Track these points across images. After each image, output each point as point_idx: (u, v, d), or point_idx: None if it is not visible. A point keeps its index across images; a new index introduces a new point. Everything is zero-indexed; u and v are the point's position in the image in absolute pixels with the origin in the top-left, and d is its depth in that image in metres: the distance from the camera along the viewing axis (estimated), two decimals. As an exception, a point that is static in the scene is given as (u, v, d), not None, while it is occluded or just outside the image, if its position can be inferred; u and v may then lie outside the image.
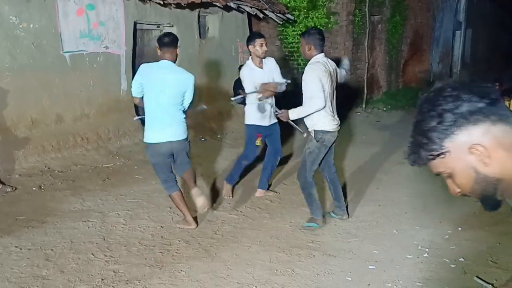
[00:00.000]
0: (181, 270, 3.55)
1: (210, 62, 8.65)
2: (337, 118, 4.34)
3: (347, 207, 4.69)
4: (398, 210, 4.86)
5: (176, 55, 4.10)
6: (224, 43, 9.09)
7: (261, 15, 9.34)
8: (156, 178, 5.26)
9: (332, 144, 4.36)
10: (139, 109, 4.41)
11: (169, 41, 4.07)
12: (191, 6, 7.84)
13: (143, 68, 4.08)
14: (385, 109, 11.50)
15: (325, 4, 10.27)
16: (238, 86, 9.16)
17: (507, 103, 10.22)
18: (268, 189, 5.33)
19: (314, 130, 4.22)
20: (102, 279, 3.39)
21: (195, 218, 4.40)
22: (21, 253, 3.74)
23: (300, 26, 10.39)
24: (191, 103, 4.21)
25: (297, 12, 10.37)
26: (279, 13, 9.64)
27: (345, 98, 10.79)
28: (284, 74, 5.20)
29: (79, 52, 6.42)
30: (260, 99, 4.72)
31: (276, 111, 4.58)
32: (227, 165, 6.46)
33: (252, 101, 4.87)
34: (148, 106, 4.05)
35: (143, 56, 7.69)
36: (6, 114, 5.67)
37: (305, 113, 4.15)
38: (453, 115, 0.99)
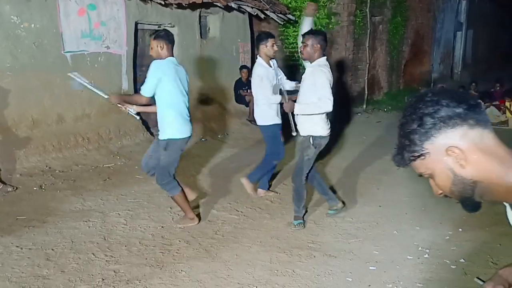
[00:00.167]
0: (181, 270, 3.55)
1: (211, 62, 8.66)
2: (329, 122, 4.36)
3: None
4: (399, 210, 4.86)
5: None
6: (225, 43, 9.10)
7: (262, 16, 9.34)
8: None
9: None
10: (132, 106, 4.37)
11: (173, 38, 4.19)
12: (192, 6, 7.85)
13: (163, 65, 4.05)
14: (385, 109, 11.50)
15: (326, 5, 10.27)
16: (238, 86, 9.22)
17: (508, 104, 10.24)
18: (268, 189, 5.33)
19: (312, 136, 4.22)
20: (103, 279, 3.39)
21: (197, 215, 4.46)
22: (22, 252, 3.75)
23: (301, 27, 10.37)
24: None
25: (298, 13, 10.35)
26: (280, 13, 9.64)
27: (346, 99, 10.81)
28: (290, 76, 5.30)
29: (80, 52, 6.43)
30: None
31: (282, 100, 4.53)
32: (227, 165, 6.47)
33: (264, 101, 4.82)
34: (174, 102, 4.11)
35: (144, 56, 7.70)
36: (7, 113, 5.68)
37: (312, 111, 4.17)
38: (432, 119, 1.05)
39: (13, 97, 5.68)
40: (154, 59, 4.10)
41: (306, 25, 4.73)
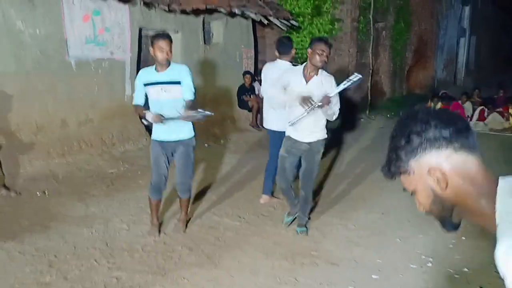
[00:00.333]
0: (183, 277, 3.55)
1: (215, 68, 8.69)
2: None
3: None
4: (401, 218, 4.85)
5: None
6: (229, 49, 9.13)
7: (266, 22, 9.37)
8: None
9: None
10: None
11: None
12: (196, 12, 7.88)
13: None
14: (388, 115, 11.49)
15: (329, 11, 10.30)
16: (241, 92, 9.24)
17: (511, 110, 10.21)
18: (272, 194, 5.32)
19: (324, 139, 4.26)
20: (105, 286, 3.39)
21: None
22: (25, 259, 3.75)
23: (305, 33, 10.43)
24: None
25: (301, 19, 10.40)
26: (284, 19, 9.67)
27: (349, 104, 10.81)
28: None
29: (84, 58, 6.46)
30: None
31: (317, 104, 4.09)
32: (230, 170, 6.47)
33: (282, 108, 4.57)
34: None
35: (148, 61, 7.72)
36: (11, 118, 5.70)
37: (336, 115, 4.25)
38: (419, 138, 1.07)
39: (17, 102, 5.70)
40: (167, 61, 3.98)
41: None
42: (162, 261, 3.81)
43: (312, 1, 10.31)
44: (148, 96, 4.07)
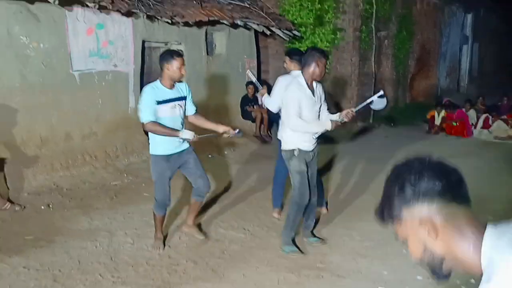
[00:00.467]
0: (188, 292, 3.53)
1: (217, 79, 8.70)
2: None
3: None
4: (407, 229, 4.81)
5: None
6: (231, 60, 9.15)
7: (268, 32, 9.40)
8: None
9: None
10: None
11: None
12: (199, 24, 7.92)
13: None
14: (392, 124, 11.48)
15: (331, 21, 10.32)
16: (245, 102, 9.25)
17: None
18: (281, 207, 5.25)
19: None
20: (110, 301, 3.38)
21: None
22: (29, 273, 3.75)
23: (307, 43, 10.44)
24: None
25: (303, 29, 10.43)
26: (286, 29, 9.70)
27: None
28: None
29: (88, 71, 6.49)
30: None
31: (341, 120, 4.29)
32: (234, 181, 6.45)
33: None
34: None
35: (151, 73, 7.75)
36: (16, 132, 5.72)
37: None
38: (412, 189, 1.10)
39: (22, 116, 5.73)
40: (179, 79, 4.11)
41: None
42: (167, 275, 3.80)
43: (314, 12, 10.34)
44: (158, 114, 3.96)
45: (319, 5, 10.27)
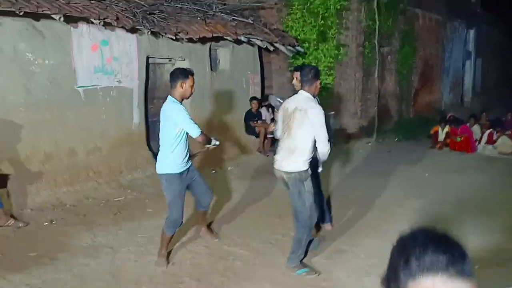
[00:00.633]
0: (192, 310, 3.49)
1: (221, 94, 8.74)
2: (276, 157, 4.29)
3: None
4: (413, 246, 4.76)
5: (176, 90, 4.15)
6: (235, 76, 9.20)
7: (272, 48, 9.46)
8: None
9: (281, 180, 4.30)
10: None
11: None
12: (203, 40, 7.97)
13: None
14: (396, 139, 11.45)
15: (334, 36, 10.38)
16: (248, 117, 9.27)
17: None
18: (331, 221, 5.20)
19: None
20: (112, 320, 3.34)
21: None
22: (32, 291, 3.72)
23: (310, 58, 10.51)
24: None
25: (307, 44, 10.49)
26: (289, 45, 9.76)
27: (356, 129, 10.81)
28: None
29: (92, 87, 6.52)
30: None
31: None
32: (238, 197, 6.43)
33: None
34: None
35: (155, 89, 7.80)
36: (20, 148, 5.74)
37: None
38: (417, 262, 1.12)
39: (26, 132, 5.75)
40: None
41: None
42: (170, 293, 3.76)
43: (317, 27, 10.41)
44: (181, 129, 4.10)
45: (322, 21, 10.34)
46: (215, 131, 8.35)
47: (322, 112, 4.04)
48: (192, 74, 4.18)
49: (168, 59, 7.88)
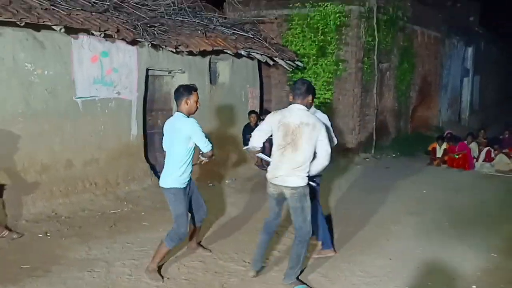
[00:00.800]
0: (186, 327, 3.44)
1: (220, 108, 8.74)
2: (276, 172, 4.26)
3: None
4: (410, 264, 4.73)
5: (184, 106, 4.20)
6: (234, 89, 9.22)
7: (271, 62, 9.50)
8: (163, 225, 5.25)
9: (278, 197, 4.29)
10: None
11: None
12: (203, 53, 8.00)
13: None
14: (394, 155, 11.47)
15: (334, 52, 10.45)
16: (247, 131, 9.26)
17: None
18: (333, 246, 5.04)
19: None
20: (105, 336, 3.29)
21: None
22: (24, 305, 3.66)
23: (309, 73, 10.56)
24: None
25: (306, 59, 10.56)
26: (289, 60, 9.81)
27: (354, 144, 10.81)
28: None
29: (91, 98, 6.51)
30: None
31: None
32: (235, 211, 6.39)
33: None
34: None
35: (154, 101, 7.79)
36: (18, 159, 5.71)
37: None
38: None
39: (24, 143, 5.73)
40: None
41: None
42: (165, 309, 3.71)
43: (317, 43, 10.49)
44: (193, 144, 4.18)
45: (322, 37, 10.42)
46: (214, 144, 8.34)
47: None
48: (196, 90, 4.22)
49: (168, 72, 7.89)
